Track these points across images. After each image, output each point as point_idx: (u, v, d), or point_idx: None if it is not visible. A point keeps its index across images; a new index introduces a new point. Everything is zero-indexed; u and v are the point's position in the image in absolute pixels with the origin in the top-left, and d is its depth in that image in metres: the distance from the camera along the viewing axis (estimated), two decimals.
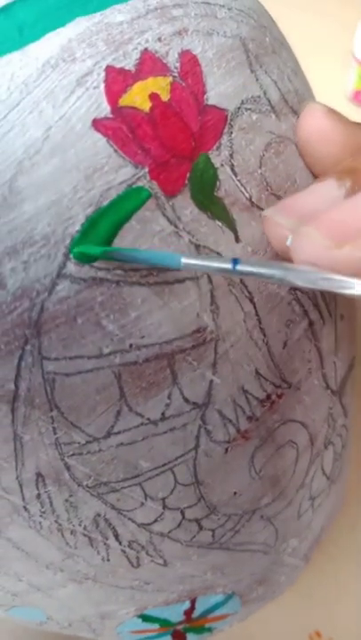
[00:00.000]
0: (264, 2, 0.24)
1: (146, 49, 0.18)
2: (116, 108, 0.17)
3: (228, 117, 0.19)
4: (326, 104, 0.22)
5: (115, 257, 0.17)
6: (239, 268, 0.16)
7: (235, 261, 0.16)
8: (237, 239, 0.19)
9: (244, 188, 0.19)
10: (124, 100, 0.17)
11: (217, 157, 0.18)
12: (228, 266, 0.16)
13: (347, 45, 0.63)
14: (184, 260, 0.17)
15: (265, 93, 0.20)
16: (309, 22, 0.70)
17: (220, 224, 0.18)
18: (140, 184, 0.17)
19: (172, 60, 0.18)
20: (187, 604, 0.26)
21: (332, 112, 0.21)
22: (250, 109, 0.20)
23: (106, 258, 0.17)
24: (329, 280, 0.16)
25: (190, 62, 0.18)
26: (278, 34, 0.24)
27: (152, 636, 0.28)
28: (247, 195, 0.19)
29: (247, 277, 0.18)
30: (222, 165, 0.19)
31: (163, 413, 0.19)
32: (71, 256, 0.16)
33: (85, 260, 0.17)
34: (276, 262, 0.18)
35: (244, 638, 0.41)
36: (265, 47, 0.21)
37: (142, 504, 0.20)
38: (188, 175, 0.18)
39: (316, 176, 0.22)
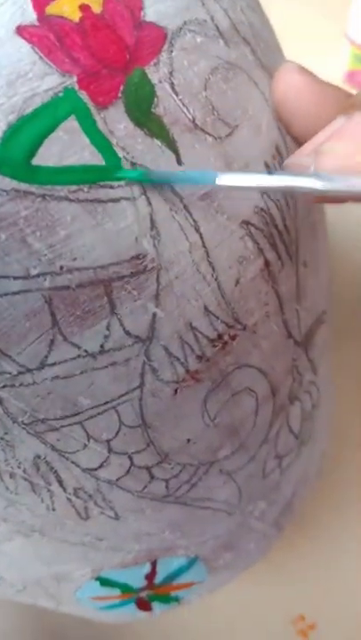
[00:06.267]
0: None
1: None
2: (42, 16, 0.16)
3: (168, 36, 0.18)
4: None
5: (152, 178, 0.17)
6: (275, 178, 0.16)
7: (270, 172, 0.16)
8: (179, 161, 0.18)
9: (187, 109, 0.18)
10: (52, 9, 0.16)
11: (155, 73, 0.18)
12: (265, 178, 0.16)
13: (340, 26, 0.62)
14: (218, 182, 0.17)
15: (212, 19, 0.20)
16: (302, 5, 0.69)
17: (158, 143, 0.18)
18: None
19: None
20: (147, 567, 0.25)
21: (306, 70, 0.21)
22: (193, 31, 0.19)
23: (144, 179, 0.17)
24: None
25: None
26: None
27: (115, 604, 0.27)
28: (190, 116, 0.18)
29: (273, 192, 0.17)
30: (160, 82, 0.18)
31: (102, 345, 0.18)
32: None
33: (6, 170, 0.16)
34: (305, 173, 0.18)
35: (225, 624, 0.40)
36: None
37: (85, 446, 0.19)
38: (121, 88, 0.17)
39: (293, 137, 0.22)
